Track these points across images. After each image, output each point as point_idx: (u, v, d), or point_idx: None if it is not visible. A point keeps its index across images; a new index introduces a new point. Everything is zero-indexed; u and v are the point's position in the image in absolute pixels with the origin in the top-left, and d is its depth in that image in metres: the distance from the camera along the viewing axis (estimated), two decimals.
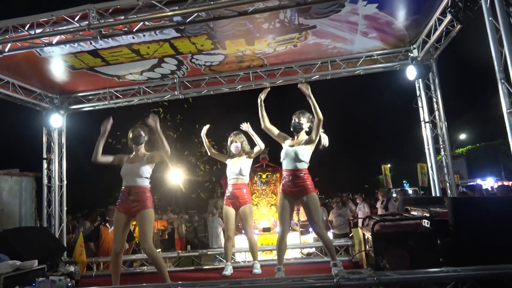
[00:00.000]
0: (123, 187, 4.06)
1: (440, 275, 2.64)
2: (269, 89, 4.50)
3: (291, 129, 4.23)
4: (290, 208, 4.10)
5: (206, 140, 5.00)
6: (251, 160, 4.87)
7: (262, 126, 4.35)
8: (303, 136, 4.21)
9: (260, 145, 4.79)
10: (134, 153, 4.17)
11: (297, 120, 4.18)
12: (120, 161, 4.16)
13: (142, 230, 3.92)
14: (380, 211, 8.76)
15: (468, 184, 15.06)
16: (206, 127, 5.02)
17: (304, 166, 4.08)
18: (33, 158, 7.42)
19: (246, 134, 4.92)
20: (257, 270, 4.70)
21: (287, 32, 4.99)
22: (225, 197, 4.84)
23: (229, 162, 4.85)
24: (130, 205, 3.95)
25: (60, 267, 5.10)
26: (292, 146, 4.13)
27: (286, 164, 4.12)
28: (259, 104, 4.36)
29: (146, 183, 4.06)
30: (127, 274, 5.26)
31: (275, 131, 4.37)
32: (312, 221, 4.05)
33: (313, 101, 4.01)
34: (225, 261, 4.85)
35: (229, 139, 4.86)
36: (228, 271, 4.69)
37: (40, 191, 6.55)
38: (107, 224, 6.20)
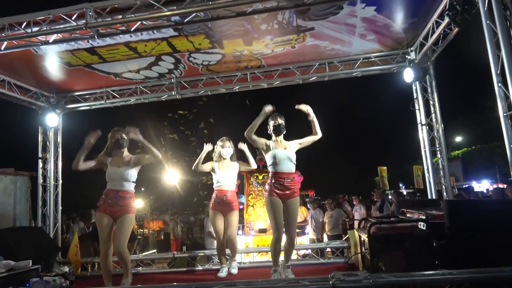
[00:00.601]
0: (107, 189, 4.04)
1: (435, 278, 2.64)
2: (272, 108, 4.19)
3: (274, 131, 4.19)
4: (281, 210, 4.06)
5: (203, 157, 4.84)
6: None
7: (247, 134, 4.10)
8: (283, 139, 4.23)
9: (252, 165, 4.85)
10: (117, 156, 4.14)
11: (279, 122, 4.18)
12: (102, 164, 4.13)
13: (120, 234, 3.93)
14: (374, 213, 8.73)
15: (464, 186, 15.12)
16: (209, 148, 4.87)
17: (294, 169, 4.15)
18: (28, 157, 7.37)
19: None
20: (235, 270, 4.78)
21: (285, 34, 4.99)
22: (213, 202, 4.73)
23: (217, 166, 4.78)
24: (115, 209, 3.96)
25: (54, 267, 5.07)
26: (282, 149, 4.12)
27: (280, 167, 4.06)
28: (261, 116, 4.11)
29: (132, 187, 4.09)
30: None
31: (258, 141, 4.17)
32: (293, 223, 4.06)
33: (315, 120, 4.18)
34: (220, 263, 4.85)
35: (220, 143, 4.81)
36: (224, 272, 4.68)
37: (35, 190, 6.50)
38: None
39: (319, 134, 4.22)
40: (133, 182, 4.08)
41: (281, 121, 4.18)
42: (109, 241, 4.02)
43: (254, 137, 4.13)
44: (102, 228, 3.99)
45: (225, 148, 4.76)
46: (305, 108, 4.20)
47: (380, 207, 8.71)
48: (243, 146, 4.85)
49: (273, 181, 4.06)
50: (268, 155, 4.14)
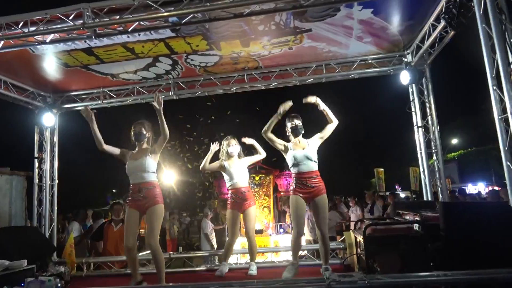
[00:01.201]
0: (131, 185, 4.07)
1: (430, 279, 2.66)
2: (291, 104, 4.29)
3: (292, 133, 4.27)
4: (302, 209, 4.18)
5: (210, 157, 4.86)
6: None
7: (264, 134, 4.25)
8: (302, 138, 4.28)
9: (261, 152, 4.87)
10: (137, 149, 4.18)
11: (296, 124, 4.25)
12: (124, 157, 4.16)
13: (150, 226, 3.95)
14: (365, 215, 8.80)
15: (459, 188, 15.20)
16: (215, 148, 4.89)
17: (317, 167, 4.20)
18: (24, 157, 7.34)
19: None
20: (253, 271, 4.70)
21: (282, 35, 5.00)
22: (231, 201, 4.75)
23: (227, 164, 4.79)
24: (141, 202, 3.97)
25: (50, 267, 5.05)
26: (301, 149, 4.19)
27: (301, 168, 4.14)
28: (277, 115, 4.22)
29: (153, 177, 4.08)
30: (118, 275, 5.24)
31: (276, 141, 4.32)
32: (322, 222, 4.15)
33: (327, 109, 4.24)
34: (218, 261, 4.86)
35: (225, 143, 4.84)
36: (222, 272, 4.66)
37: (31, 190, 6.47)
38: (112, 223, 6.14)
39: (335, 121, 4.28)
40: (153, 172, 4.08)
41: (297, 122, 4.26)
42: (133, 236, 4.01)
43: (271, 136, 4.26)
44: (128, 222, 4.01)
45: (232, 146, 4.79)
46: (313, 99, 4.24)
47: (370, 209, 8.77)
48: (249, 140, 4.90)
49: (295, 181, 4.16)
50: (287, 156, 4.24)
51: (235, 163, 4.80)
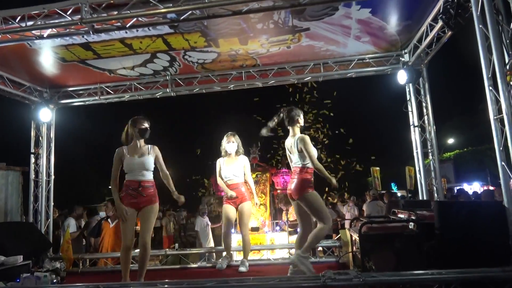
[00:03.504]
0: (129, 181, 3.99)
1: (425, 277, 2.69)
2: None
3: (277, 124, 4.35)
4: None
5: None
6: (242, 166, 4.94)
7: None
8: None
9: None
10: (136, 145, 4.08)
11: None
12: (122, 156, 4.03)
13: (147, 224, 3.95)
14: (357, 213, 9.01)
15: (456, 188, 15.27)
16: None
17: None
18: (20, 152, 7.30)
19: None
20: (244, 268, 4.72)
21: (280, 33, 5.01)
22: (225, 197, 4.92)
23: (223, 162, 4.90)
24: (139, 200, 3.94)
25: (45, 263, 5.05)
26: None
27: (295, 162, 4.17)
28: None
29: (152, 176, 4.09)
30: (113, 272, 5.24)
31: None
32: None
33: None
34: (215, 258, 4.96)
35: (225, 139, 4.92)
36: (222, 265, 4.83)
37: (27, 186, 6.44)
38: (108, 220, 6.22)
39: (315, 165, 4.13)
40: (152, 170, 4.08)
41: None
42: (132, 235, 3.97)
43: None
44: (127, 221, 3.90)
45: (230, 143, 4.87)
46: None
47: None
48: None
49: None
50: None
51: (231, 160, 4.87)
